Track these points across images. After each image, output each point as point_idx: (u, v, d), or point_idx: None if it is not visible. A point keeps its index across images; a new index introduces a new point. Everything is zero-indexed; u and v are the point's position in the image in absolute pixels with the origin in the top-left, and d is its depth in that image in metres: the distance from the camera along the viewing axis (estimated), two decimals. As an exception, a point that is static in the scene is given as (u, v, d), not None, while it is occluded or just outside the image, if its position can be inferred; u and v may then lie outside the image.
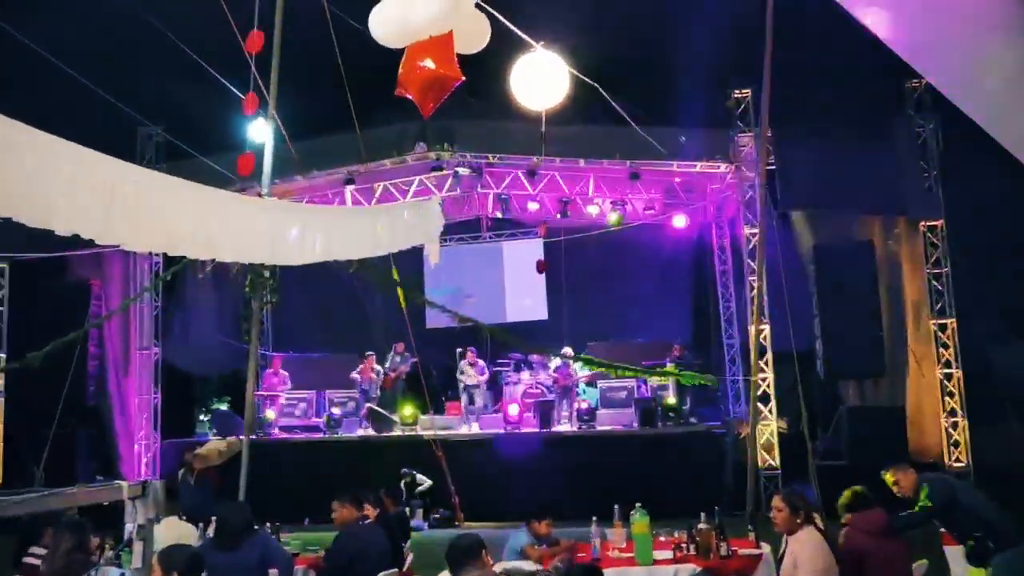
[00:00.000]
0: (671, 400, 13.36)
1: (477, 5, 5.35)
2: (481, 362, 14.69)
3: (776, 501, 5.16)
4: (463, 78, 5.27)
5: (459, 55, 5.29)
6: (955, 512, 5.64)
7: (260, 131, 9.33)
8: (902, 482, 5.87)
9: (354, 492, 6.35)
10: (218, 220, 5.51)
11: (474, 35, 5.44)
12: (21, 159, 3.98)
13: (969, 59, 4.37)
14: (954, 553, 5.91)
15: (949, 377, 11.90)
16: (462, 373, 14.49)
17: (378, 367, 14.96)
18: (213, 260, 7.03)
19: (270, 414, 14.06)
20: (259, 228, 5.93)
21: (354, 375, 14.92)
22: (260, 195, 8.42)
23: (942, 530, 6.08)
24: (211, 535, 5.83)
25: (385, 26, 5.28)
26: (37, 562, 5.42)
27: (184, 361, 15.30)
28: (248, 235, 5.82)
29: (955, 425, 11.77)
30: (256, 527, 5.57)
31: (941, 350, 11.98)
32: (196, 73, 9.03)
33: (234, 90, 8.80)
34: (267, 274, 7.85)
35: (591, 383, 14.76)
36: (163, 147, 13.93)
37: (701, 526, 5.85)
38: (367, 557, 5.67)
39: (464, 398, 14.53)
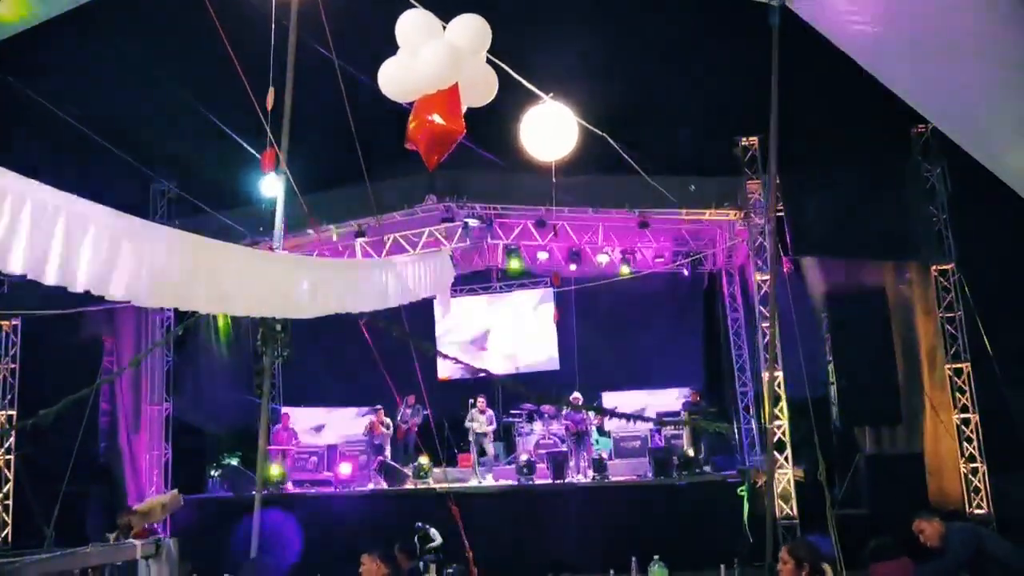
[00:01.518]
0: (688, 452, 13.25)
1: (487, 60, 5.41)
2: (490, 411, 14.61)
3: (782, 553, 5.07)
4: (464, 131, 5.31)
5: (469, 108, 5.34)
6: (982, 561, 5.53)
7: (272, 186, 9.40)
8: (927, 532, 5.78)
9: (386, 549, 6.18)
10: (230, 275, 5.53)
11: (483, 88, 5.50)
12: (39, 217, 4.01)
13: (972, 102, 4.38)
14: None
15: (967, 422, 11.75)
16: (472, 421, 14.37)
17: (387, 420, 14.89)
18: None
19: (277, 470, 13.97)
20: (271, 282, 5.95)
21: (363, 434, 14.89)
22: (272, 249, 8.46)
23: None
24: None
25: (393, 81, 5.35)
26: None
27: (195, 416, 15.26)
28: (260, 289, 5.84)
29: (975, 471, 11.60)
30: None
31: (957, 395, 11.85)
32: (208, 130, 9.15)
33: (246, 146, 8.90)
34: (279, 328, 7.85)
35: (603, 432, 14.65)
36: (175, 203, 14.03)
37: (721, 578, 5.74)
38: None
39: (475, 448, 14.40)
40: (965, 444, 11.70)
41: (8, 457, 13.68)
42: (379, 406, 14.86)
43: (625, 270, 14.68)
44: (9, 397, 13.86)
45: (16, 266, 3.98)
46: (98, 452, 13.50)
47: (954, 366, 11.89)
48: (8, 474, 13.65)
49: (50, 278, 4.14)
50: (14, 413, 13.70)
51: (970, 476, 11.63)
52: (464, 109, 5.38)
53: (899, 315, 12.30)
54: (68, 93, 9.14)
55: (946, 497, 11.65)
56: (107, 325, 14.18)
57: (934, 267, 12.16)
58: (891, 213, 12.08)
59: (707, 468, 13.40)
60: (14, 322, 13.99)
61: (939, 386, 12.00)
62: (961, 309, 11.95)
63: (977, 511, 11.42)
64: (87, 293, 4.40)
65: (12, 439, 13.53)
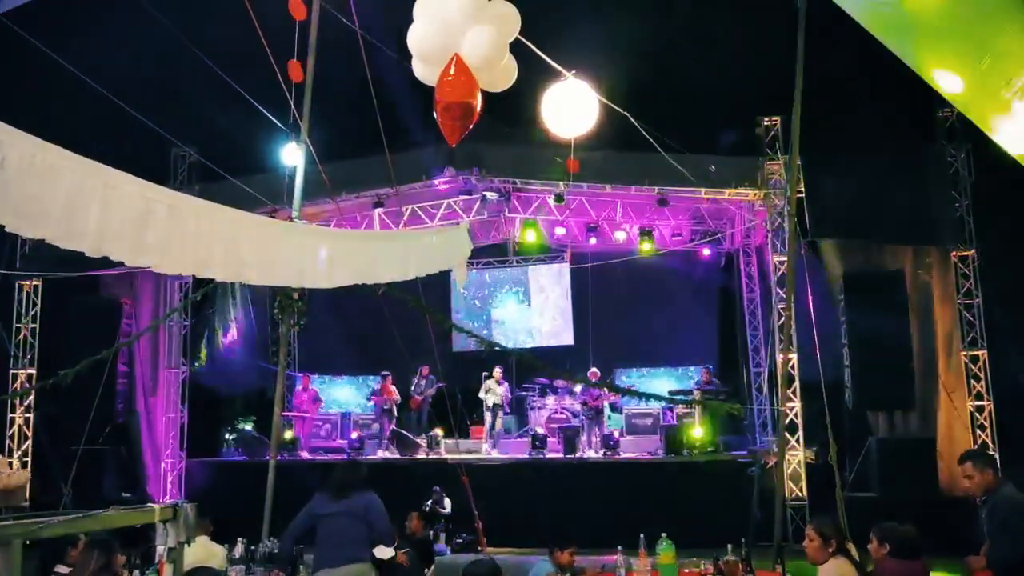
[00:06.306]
0: (696, 431, 13.25)
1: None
2: (506, 383, 14.66)
3: (809, 530, 5.07)
4: (474, 102, 5.28)
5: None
6: (1005, 535, 5.26)
7: (292, 155, 9.44)
8: (975, 480, 5.34)
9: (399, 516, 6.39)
10: (247, 243, 5.53)
11: (488, 54, 5.40)
12: (55, 181, 4.01)
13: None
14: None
15: (981, 410, 11.72)
16: (487, 392, 14.41)
17: (393, 388, 14.99)
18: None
19: (289, 435, 14.12)
20: (288, 251, 5.96)
21: (372, 400, 15.05)
22: (290, 218, 8.51)
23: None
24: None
25: (416, 59, 5.33)
26: (64, 581, 5.44)
27: (211, 380, 15.40)
28: (277, 258, 5.85)
29: (987, 459, 11.57)
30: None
31: (972, 382, 11.80)
32: (230, 96, 9.14)
33: (267, 114, 8.90)
34: (296, 296, 7.91)
35: (616, 409, 14.69)
36: (196, 168, 14.06)
37: (728, 557, 5.77)
38: None
39: (488, 418, 14.45)
40: (978, 431, 11.67)
41: (28, 416, 13.88)
42: (386, 372, 14.95)
43: (646, 247, 14.54)
44: (29, 356, 14.03)
45: (43, 233, 3.99)
46: (116, 413, 13.65)
47: (971, 353, 11.83)
48: (28, 432, 13.86)
49: (68, 243, 4.14)
50: (34, 372, 13.88)
51: (982, 463, 11.58)
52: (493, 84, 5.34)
53: (917, 300, 12.22)
54: (89, 57, 9.13)
55: (957, 483, 11.61)
56: (127, 288, 14.28)
57: (954, 253, 12.08)
58: (912, 197, 11.99)
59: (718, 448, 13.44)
60: (35, 283, 14.14)
61: (954, 372, 11.95)
62: (980, 296, 11.88)
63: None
64: (105, 258, 4.40)
65: (32, 398, 13.73)
